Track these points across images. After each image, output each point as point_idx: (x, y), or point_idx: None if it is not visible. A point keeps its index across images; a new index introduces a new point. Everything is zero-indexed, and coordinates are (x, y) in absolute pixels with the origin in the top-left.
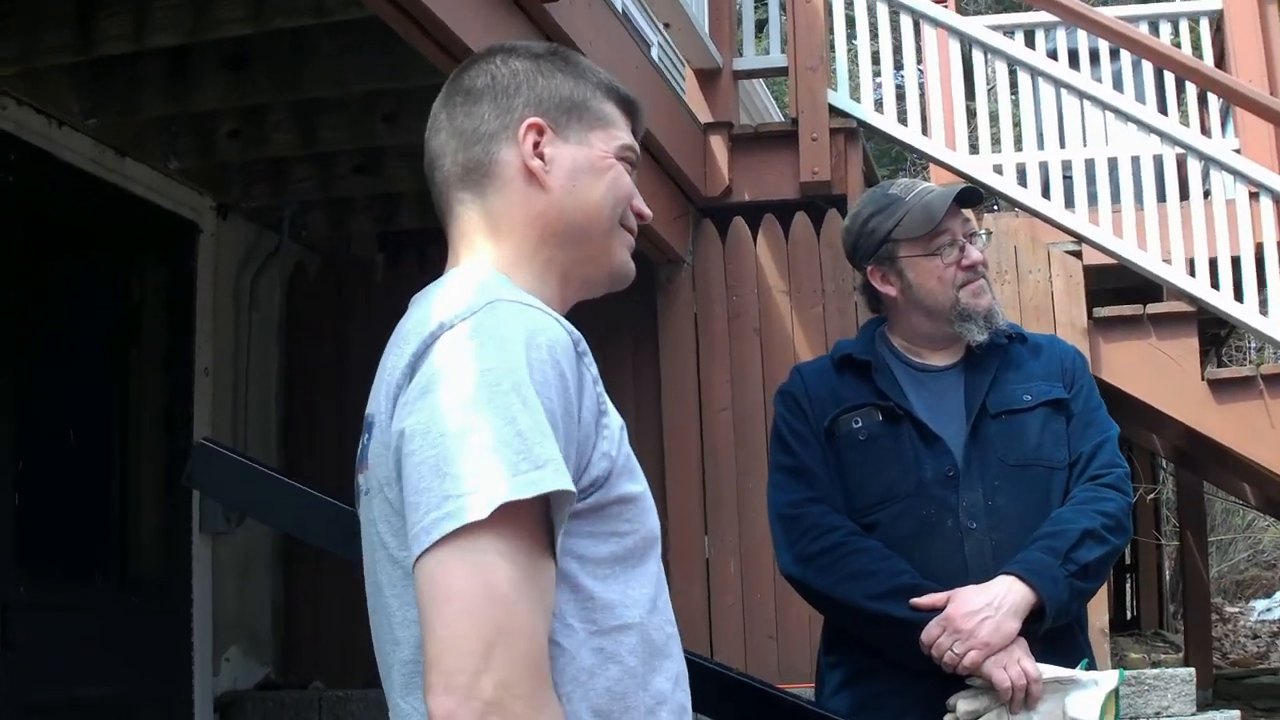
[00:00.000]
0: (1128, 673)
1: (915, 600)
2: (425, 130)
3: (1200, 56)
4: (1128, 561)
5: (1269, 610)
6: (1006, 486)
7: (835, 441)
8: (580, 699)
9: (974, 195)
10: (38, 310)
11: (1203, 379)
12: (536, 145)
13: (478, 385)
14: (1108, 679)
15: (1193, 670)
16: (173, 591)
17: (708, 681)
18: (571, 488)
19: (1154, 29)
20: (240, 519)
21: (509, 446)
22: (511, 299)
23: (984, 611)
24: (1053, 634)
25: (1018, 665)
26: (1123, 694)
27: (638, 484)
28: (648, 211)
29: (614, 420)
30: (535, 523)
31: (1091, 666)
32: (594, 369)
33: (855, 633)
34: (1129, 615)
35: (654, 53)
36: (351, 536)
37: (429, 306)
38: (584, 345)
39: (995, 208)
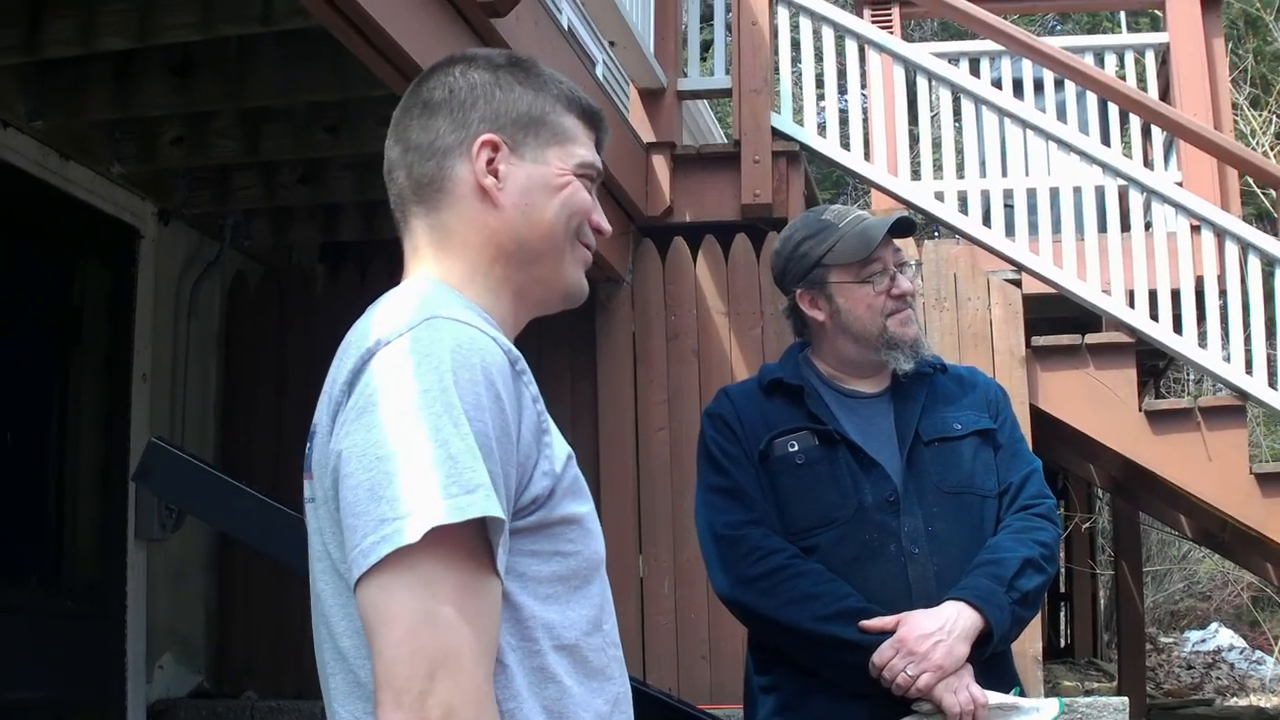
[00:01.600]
0: None
1: (865, 623)
2: (368, 141)
3: (1145, 89)
4: (1062, 590)
5: (1203, 641)
6: (944, 513)
7: (770, 465)
8: (523, 715)
9: (908, 225)
10: None
11: (1140, 410)
12: (491, 162)
13: (410, 407)
14: (1049, 706)
15: (1126, 699)
16: (107, 596)
17: (648, 707)
18: (500, 514)
19: (1099, 60)
20: (176, 525)
21: (440, 470)
22: (448, 316)
23: (937, 635)
24: (987, 659)
25: (966, 690)
26: None
27: (583, 505)
28: (607, 227)
29: (557, 441)
30: (472, 545)
31: (1021, 694)
32: (533, 388)
33: (796, 656)
34: (1063, 643)
35: (599, 71)
36: (300, 545)
37: (371, 320)
38: (522, 364)
39: (935, 234)
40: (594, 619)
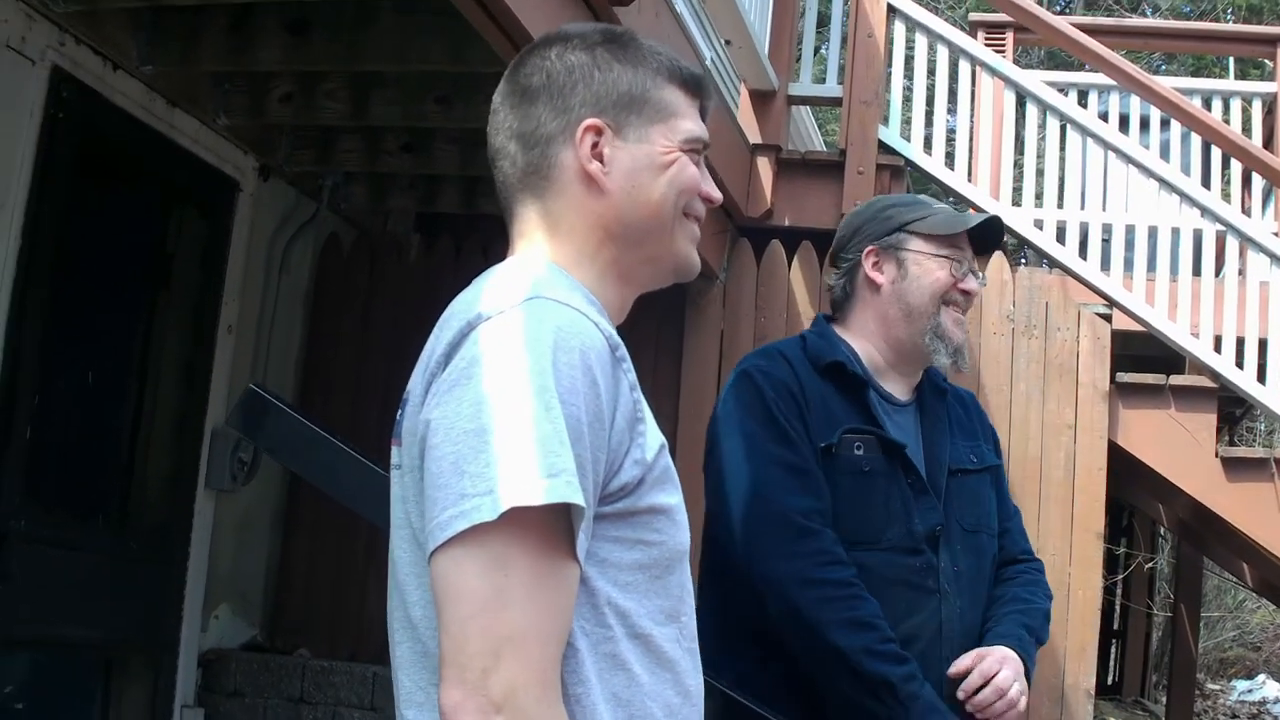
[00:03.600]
0: None
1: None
2: (476, 116)
3: (1249, 136)
4: (1115, 627)
5: (1250, 691)
6: (965, 551)
7: (835, 461)
8: (590, 700)
9: (999, 229)
10: (74, 247)
11: (1216, 455)
12: (595, 147)
13: (504, 385)
14: None
15: None
16: (171, 543)
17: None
18: (580, 501)
19: (1206, 104)
20: (247, 478)
21: (526, 452)
22: (553, 298)
23: (1012, 677)
24: None
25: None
26: None
27: (672, 496)
28: (717, 195)
29: (651, 430)
30: (550, 528)
31: None
32: (632, 375)
33: (812, 666)
34: (1110, 680)
35: (707, 64)
36: (387, 506)
37: (478, 292)
38: (622, 351)
39: (1023, 260)
40: (671, 610)
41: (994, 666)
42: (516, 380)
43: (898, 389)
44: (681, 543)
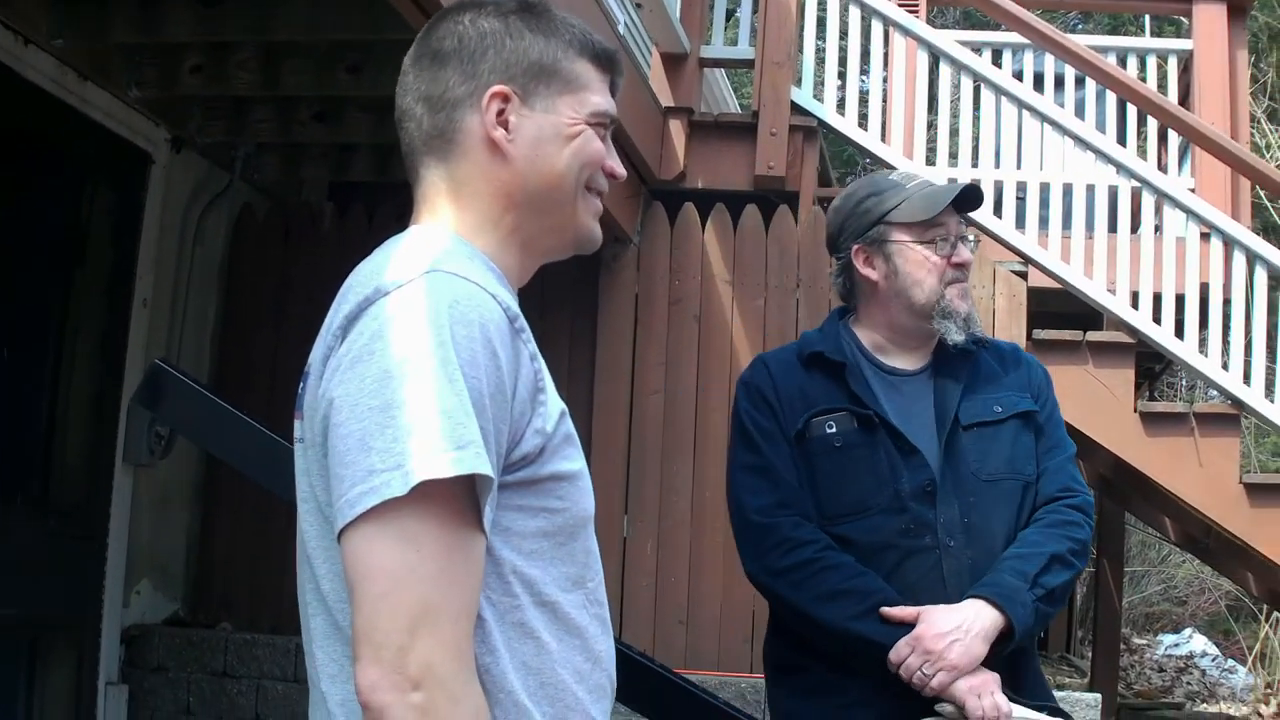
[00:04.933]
0: None
1: (886, 610)
2: (388, 84)
3: (1165, 93)
4: None
5: (1176, 645)
6: (981, 502)
7: (806, 445)
8: (499, 670)
9: (976, 195)
10: None
11: (1135, 411)
12: (501, 114)
13: (405, 361)
14: None
15: (1099, 696)
16: (91, 519)
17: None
18: (489, 472)
19: (1121, 62)
20: (164, 452)
21: (433, 425)
22: (450, 270)
23: (954, 634)
24: (1021, 671)
25: (991, 697)
26: None
27: (574, 463)
28: (621, 171)
29: (552, 399)
30: (459, 501)
31: (1056, 714)
32: (531, 345)
33: (825, 649)
34: (1036, 636)
35: (620, 30)
36: (292, 478)
37: (375, 265)
38: (521, 322)
39: None
40: (576, 576)
41: (923, 631)
42: (418, 354)
43: (909, 361)
44: (585, 508)
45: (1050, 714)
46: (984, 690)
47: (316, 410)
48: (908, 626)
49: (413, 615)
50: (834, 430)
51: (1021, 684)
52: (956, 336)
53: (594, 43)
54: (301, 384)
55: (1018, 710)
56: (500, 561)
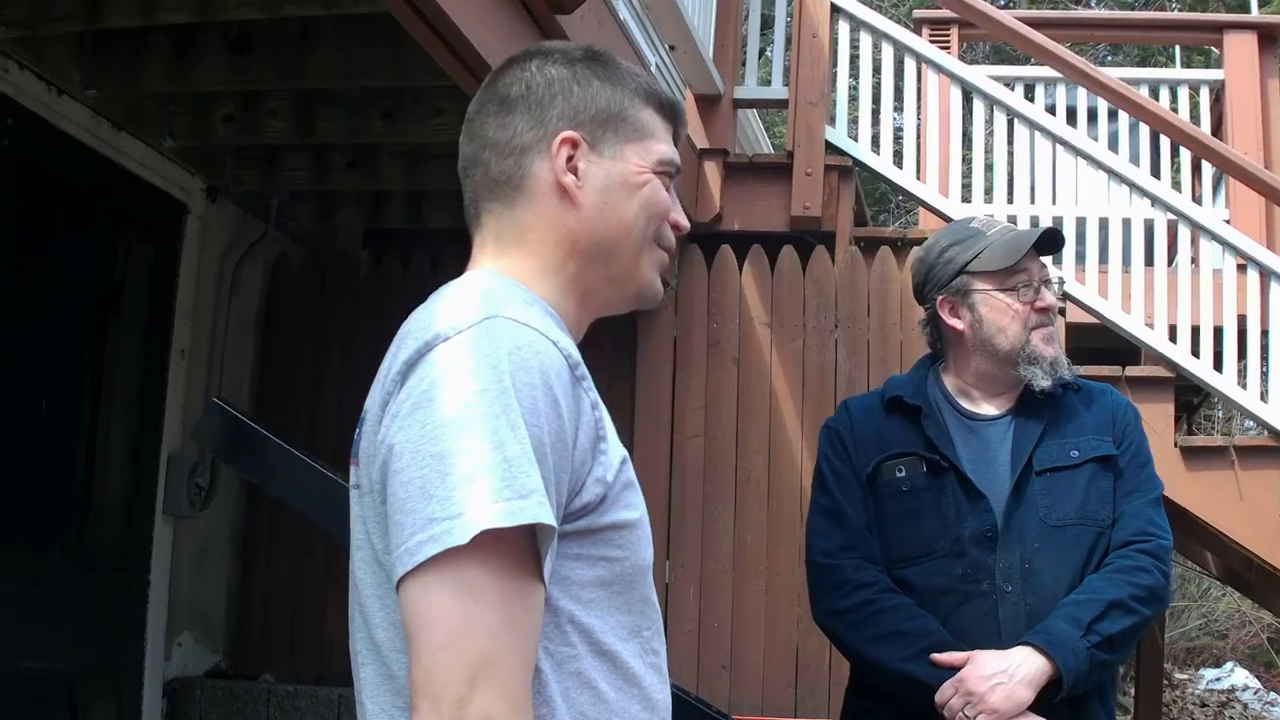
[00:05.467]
0: None
1: (934, 656)
2: (420, 130)
3: (1198, 124)
4: None
5: (1218, 680)
6: (1045, 549)
7: (877, 488)
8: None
9: (1057, 239)
10: (23, 275)
11: (1175, 445)
12: (570, 160)
13: (467, 407)
14: None
15: None
16: (131, 570)
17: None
18: (553, 522)
19: (1154, 94)
20: (205, 503)
21: (494, 474)
22: (509, 316)
23: (998, 677)
24: (1079, 714)
25: None
26: None
27: (634, 511)
28: (685, 223)
29: (613, 447)
30: (520, 550)
31: None
32: (593, 394)
33: (883, 689)
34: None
35: (651, 70)
36: (347, 517)
37: (433, 310)
38: (582, 369)
39: None
40: (634, 625)
41: (967, 674)
42: (478, 401)
43: (992, 406)
44: (644, 557)
45: None
46: None
47: (375, 457)
48: (958, 669)
49: (472, 667)
50: (903, 474)
51: None
52: (1043, 382)
53: (659, 92)
54: (358, 430)
55: None
56: (558, 610)
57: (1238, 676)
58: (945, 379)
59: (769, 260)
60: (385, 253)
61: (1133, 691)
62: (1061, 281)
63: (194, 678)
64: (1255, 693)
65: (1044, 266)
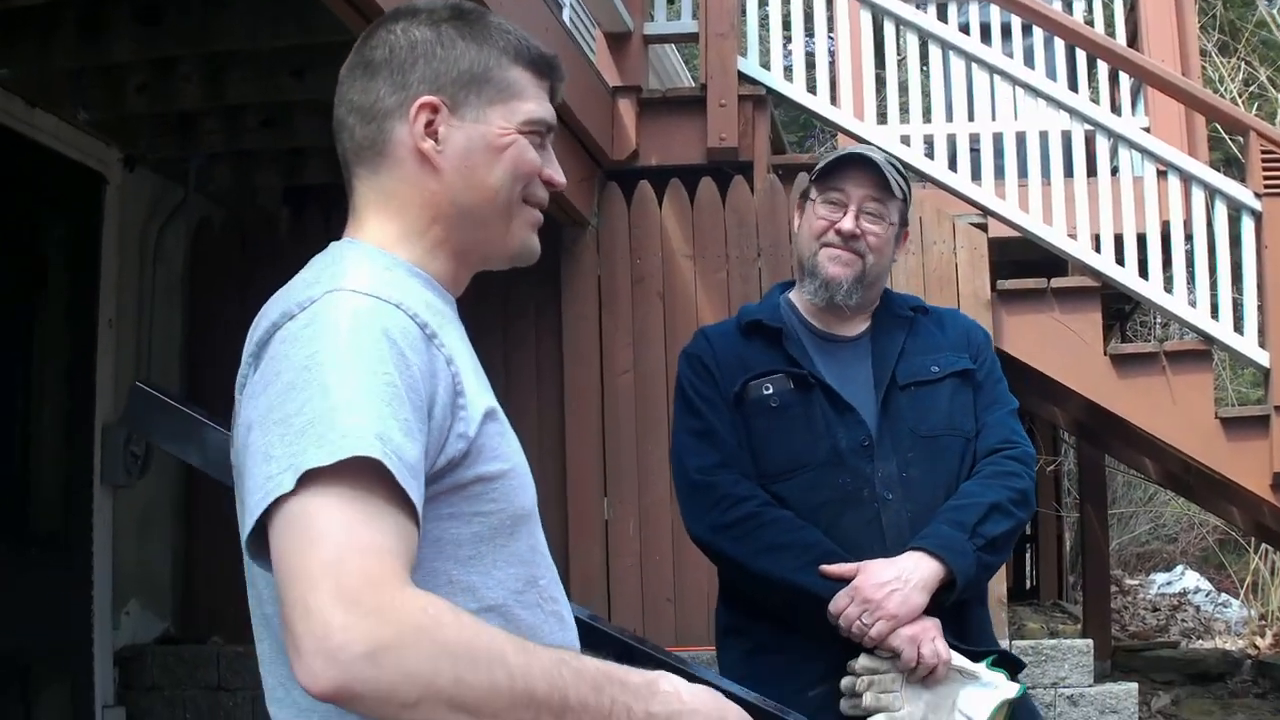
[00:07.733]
0: (1026, 643)
1: (826, 568)
2: (333, 86)
3: (1113, 35)
4: (1028, 532)
5: (1169, 584)
6: (919, 458)
7: (744, 408)
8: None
9: (864, 160)
10: None
11: (1105, 354)
12: (430, 125)
13: (305, 371)
14: (1007, 688)
15: (1090, 641)
16: (73, 544)
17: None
18: (377, 455)
19: (1067, 6)
20: (142, 471)
21: (323, 421)
22: (352, 288)
23: (892, 584)
24: (966, 623)
25: (932, 643)
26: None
27: (504, 462)
28: (561, 179)
29: (473, 402)
30: (360, 484)
31: (1000, 662)
32: (447, 351)
33: (767, 604)
34: (1028, 585)
35: (565, 15)
36: None
37: (287, 289)
38: (432, 329)
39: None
40: (525, 576)
41: (861, 582)
42: (315, 364)
43: (846, 328)
44: (521, 505)
45: (997, 660)
46: (923, 638)
47: (238, 437)
48: (848, 580)
49: (318, 570)
50: (770, 391)
51: (966, 633)
52: (816, 299)
53: (530, 48)
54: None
55: (956, 658)
56: (436, 572)
57: (1189, 580)
58: (797, 301)
59: (688, 194)
60: (306, 209)
61: (1081, 599)
62: (901, 226)
63: (144, 645)
64: (1207, 595)
65: (878, 200)
